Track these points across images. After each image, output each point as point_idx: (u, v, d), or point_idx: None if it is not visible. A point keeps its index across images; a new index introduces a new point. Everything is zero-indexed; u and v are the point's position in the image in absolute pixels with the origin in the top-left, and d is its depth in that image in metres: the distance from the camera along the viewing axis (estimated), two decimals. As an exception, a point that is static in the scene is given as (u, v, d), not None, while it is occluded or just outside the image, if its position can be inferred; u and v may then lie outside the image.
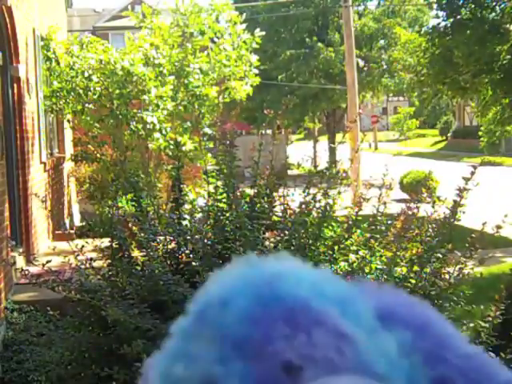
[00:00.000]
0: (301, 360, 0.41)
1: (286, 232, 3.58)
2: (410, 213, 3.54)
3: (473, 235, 3.27)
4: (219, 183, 3.80)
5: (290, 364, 0.42)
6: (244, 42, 8.59)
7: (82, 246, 3.52)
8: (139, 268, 3.51)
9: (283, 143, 13.41)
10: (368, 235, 3.60)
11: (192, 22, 8.36)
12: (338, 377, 0.41)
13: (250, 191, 3.84)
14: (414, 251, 3.46)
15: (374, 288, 0.49)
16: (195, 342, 0.44)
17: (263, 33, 8.87)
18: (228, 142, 3.82)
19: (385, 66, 23.52)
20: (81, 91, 7.98)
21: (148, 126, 7.83)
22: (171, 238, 3.69)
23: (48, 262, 3.42)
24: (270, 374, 0.42)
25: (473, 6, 10.21)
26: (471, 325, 3.14)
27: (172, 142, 7.80)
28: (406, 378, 0.41)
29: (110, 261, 3.60)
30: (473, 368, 0.43)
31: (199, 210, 3.90)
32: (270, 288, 0.44)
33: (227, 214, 3.68)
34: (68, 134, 9.92)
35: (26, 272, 3.35)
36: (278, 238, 3.61)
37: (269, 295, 0.44)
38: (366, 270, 3.46)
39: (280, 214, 3.76)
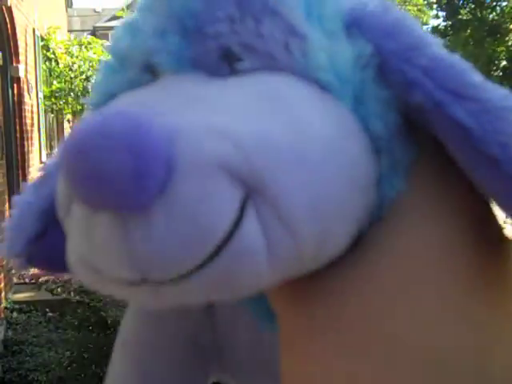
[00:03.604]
0: (241, 49, 0.37)
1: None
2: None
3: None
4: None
5: (228, 51, 0.38)
6: None
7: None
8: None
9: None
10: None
11: None
12: (277, 75, 0.36)
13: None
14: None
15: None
16: (145, 14, 0.41)
17: None
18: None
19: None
20: (79, 93, 7.98)
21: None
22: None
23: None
24: (206, 55, 0.38)
25: (472, 6, 10.21)
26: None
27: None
28: (353, 94, 0.37)
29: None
30: (441, 68, 0.36)
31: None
32: None
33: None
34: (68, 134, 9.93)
35: (24, 275, 3.35)
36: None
37: None
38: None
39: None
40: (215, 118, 0.33)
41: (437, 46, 0.37)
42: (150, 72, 0.40)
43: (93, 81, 7.90)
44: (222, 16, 0.38)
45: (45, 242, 0.47)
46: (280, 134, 0.33)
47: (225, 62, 0.38)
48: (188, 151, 0.31)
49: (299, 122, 0.34)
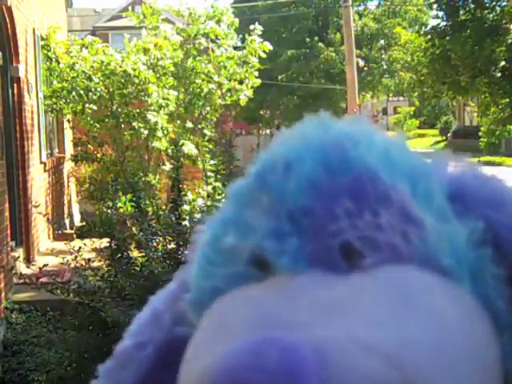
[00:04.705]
0: (362, 243, 0.36)
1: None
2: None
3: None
4: (218, 184, 3.80)
5: (348, 246, 0.36)
6: (252, 48, 8.51)
7: (80, 248, 3.52)
8: (138, 269, 3.52)
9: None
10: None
11: (195, 25, 8.34)
12: (402, 268, 0.35)
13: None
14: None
15: (448, 161, 0.42)
16: (251, 209, 0.39)
17: (260, 29, 8.72)
18: (227, 142, 3.83)
19: (385, 66, 23.53)
20: (81, 91, 7.96)
21: (150, 126, 7.82)
22: (170, 239, 3.70)
23: (45, 265, 3.42)
24: (324, 252, 0.37)
25: (472, 6, 10.20)
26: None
27: (172, 143, 7.80)
28: (470, 273, 0.36)
29: (109, 261, 3.61)
30: None
31: (198, 210, 3.90)
32: (339, 152, 0.38)
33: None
34: (68, 134, 9.91)
35: (25, 275, 3.36)
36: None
37: (337, 161, 0.38)
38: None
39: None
40: (355, 329, 0.33)
41: None
42: (258, 266, 0.39)
43: (96, 80, 7.88)
44: (340, 212, 0.37)
45: None
46: (423, 337, 0.33)
47: (344, 258, 0.37)
48: (339, 374, 0.31)
49: (436, 319, 0.34)
